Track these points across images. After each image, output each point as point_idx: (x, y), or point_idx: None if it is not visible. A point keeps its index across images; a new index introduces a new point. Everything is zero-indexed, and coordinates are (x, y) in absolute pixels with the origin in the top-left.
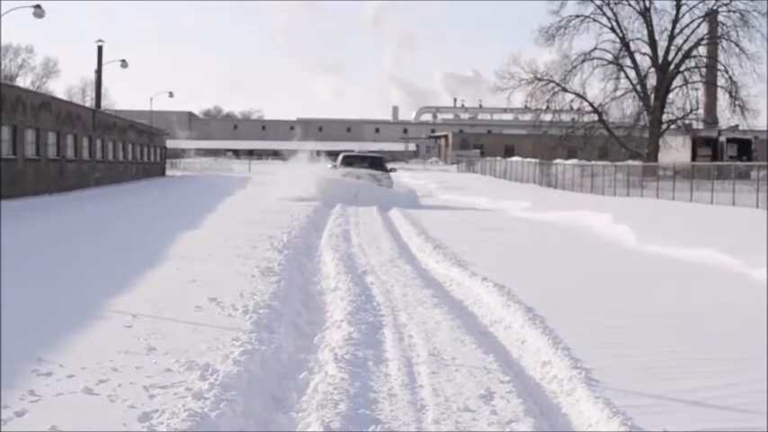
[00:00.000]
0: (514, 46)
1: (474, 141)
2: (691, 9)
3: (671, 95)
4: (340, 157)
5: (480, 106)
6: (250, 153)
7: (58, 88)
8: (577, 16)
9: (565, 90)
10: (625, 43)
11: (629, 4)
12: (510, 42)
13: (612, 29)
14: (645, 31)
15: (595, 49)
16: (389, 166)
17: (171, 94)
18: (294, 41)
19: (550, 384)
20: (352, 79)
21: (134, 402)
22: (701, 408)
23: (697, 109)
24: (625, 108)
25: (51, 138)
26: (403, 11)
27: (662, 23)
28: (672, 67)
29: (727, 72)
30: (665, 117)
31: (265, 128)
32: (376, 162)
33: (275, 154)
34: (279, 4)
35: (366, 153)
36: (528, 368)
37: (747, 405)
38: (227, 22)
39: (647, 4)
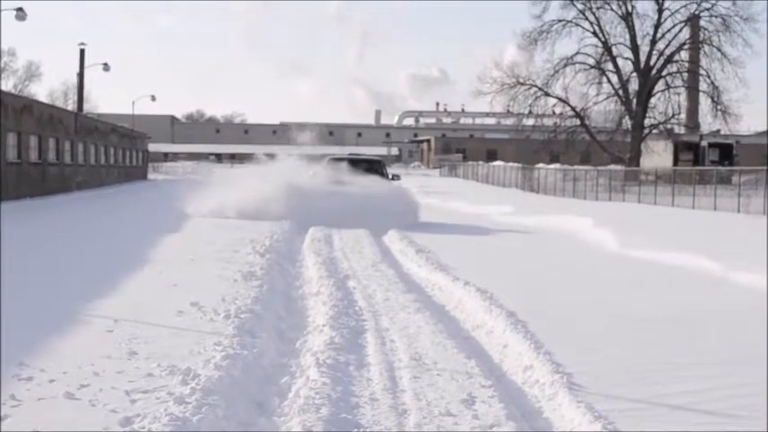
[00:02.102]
0: (482, 44)
1: (456, 146)
2: (673, 14)
3: (653, 100)
4: (326, 160)
5: (463, 110)
6: (232, 157)
7: (41, 91)
8: (560, 21)
9: (547, 94)
10: (607, 48)
11: (612, 9)
12: (478, 41)
13: (595, 33)
14: (627, 36)
15: (578, 53)
16: (391, 172)
17: (153, 98)
18: (255, 42)
19: (532, 389)
20: (316, 82)
21: (115, 407)
22: (683, 412)
23: (679, 113)
24: (607, 113)
25: (33, 141)
26: (364, 8)
27: (644, 28)
28: (654, 71)
29: (708, 77)
30: (647, 122)
31: (248, 132)
32: (374, 167)
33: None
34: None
35: (360, 155)
36: (510, 372)
37: (730, 409)
38: (206, 23)
39: (629, 8)
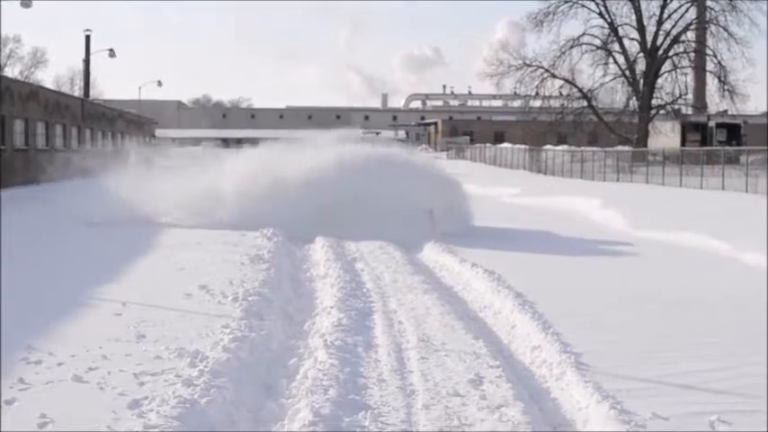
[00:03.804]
0: (473, 24)
1: (464, 128)
2: None
3: (660, 81)
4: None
5: (470, 93)
6: (239, 142)
7: (47, 78)
8: (566, 1)
9: (554, 76)
10: (614, 29)
11: None
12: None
13: (601, 14)
14: (633, 17)
15: (584, 34)
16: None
17: (159, 83)
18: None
19: (540, 369)
20: (315, 68)
21: (124, 390)
22: (692, 391)
23: (686, 94)
24: (614, 93)
25: (40, 128)
26: None
27: (650, 8)
28: (660, 52)
29: (715, 57)
30: (654, 102)
31: (254, 116)
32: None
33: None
34: None
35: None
36: (518, 353)
37: (739, 388)
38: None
39: None
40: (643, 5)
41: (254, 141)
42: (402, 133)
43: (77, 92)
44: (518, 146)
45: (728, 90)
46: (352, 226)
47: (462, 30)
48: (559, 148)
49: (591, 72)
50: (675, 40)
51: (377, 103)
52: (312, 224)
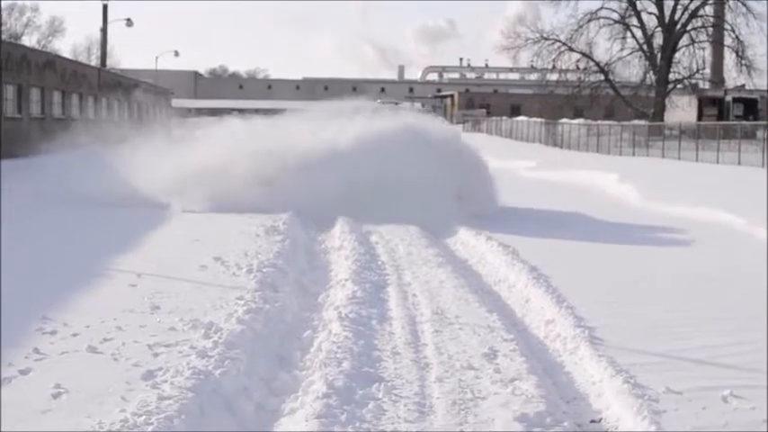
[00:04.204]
0: None
1: (480, 101)
2: None
3: (677, 55)
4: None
5: (486, 66)
6: (256, 112)
7: (64, 47)
8: None
9: (571, 50)
10: (632, 2)
11: None
12: None
13: None
14: None
15: (602, 8)
16: None
17: (176, 53)
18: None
19: (554, 343)
20: (330, 39)
21: (138, 361)
22: (706, 366)
23: (703, 68)
24: (631, 68)
25: (56, 97)
26: None
27: None
28: (678, 26)
29: (733, 31)
30: (671, 77)
31: (271, 87)
32: None
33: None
34: None
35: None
36: (532, 327)
37: (753, 363)
38: None
39: None
40: None
41: (271, 112)
42: (418, 105)
43: (94, 61)
44: (534, 119)
45: (746, 65)
46: (375, 209)
47: (476, 1)
48: (576, 121)
49: (608, 46)
50: (693, 15)
51: (391, 75)
52: (332, 207)
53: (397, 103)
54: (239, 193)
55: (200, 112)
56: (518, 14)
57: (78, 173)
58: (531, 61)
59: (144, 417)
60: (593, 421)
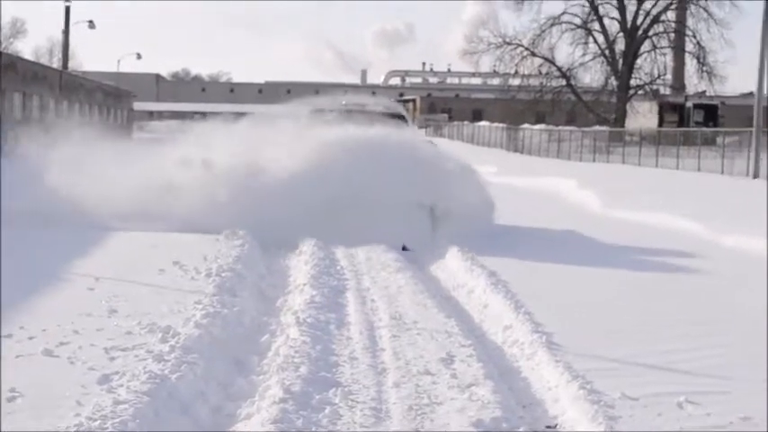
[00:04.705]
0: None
1: (442, 105)
2: None
3: (639, 60)
4: (308, 112)
5: (449, 70)
6: (218, 116)
7: (26, 49)
8: None
9: (533, 54)
10: (594, 7)
11: None
12: None
13: None
14: None
15: (564, 13)
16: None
17: (139, 56)
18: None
19: (511, 348)
20: (282, 40)
21: (94, 364)
22: (662, 372)
23: (665, 74)
24: (593, 73)
25: (17, 99)
26: None
27: None
28: (640, 31)
29: (695, 37)
30: (632, 82)
31: (233, 91)
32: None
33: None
34: None
35: (364, 106)
36: (489, 332)
37: (708, 369)
38: None
39: None
40: None
41: (234, 116)
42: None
43: (56, 63)
44: (496, 124)
45: (707, 71)
46: (339, 229)
47: (433, 5)
48: (537, 127)
49: (570, 51)
50: (655, 20)
51: (352, 79)
52: (294, 226)
53: (362, 105)
54: (185, 212)
55: (161, 115)
56: (480, 18)
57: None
58: (494, 66)
59: (99, 421)
60: (548, 427)
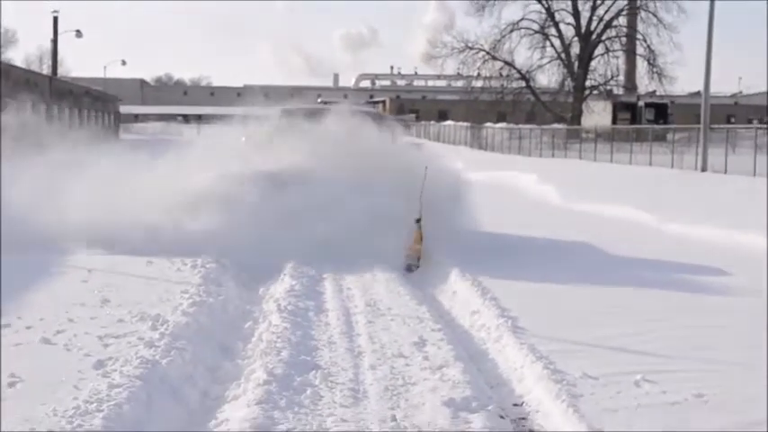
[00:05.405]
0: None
1: (410, 106)
2: None
3: (593, 63)
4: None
5: (416, 73)
6: (199, 118)
7: (17, 57)
8: None
9: (494, 58)
10: (550, 14)
11: None
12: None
13: (539, 0)
14: (569, 2)
15: (523, 19)
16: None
17: (124, 62)
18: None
19: (479, 332)
20: (252, 44)
21: (89, 351)
22: (620, 353)
23: (617, 76)
24: (550, 75)
25: (10, 104)
26: None
27: None
28: (594, 36)
29: (645, 41)
30: (587, 83)
31: (214, 94)
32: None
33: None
34: None
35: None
36: (458, 317)
37: (661, 350)
38: None
39: None
40: None
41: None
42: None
43: (46, 70)
44: (460, 123)
45: (657, 72)
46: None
47: (393, 11)
48: (499, 125)
49: (529, 54)
50: (608, 25)
51: (323, 83)
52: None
53: (337, 102)
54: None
55: (146, 117)
56: (440, 24)
57: None
58: (458, 69)
59: (95, 404)
60: (515, 405)
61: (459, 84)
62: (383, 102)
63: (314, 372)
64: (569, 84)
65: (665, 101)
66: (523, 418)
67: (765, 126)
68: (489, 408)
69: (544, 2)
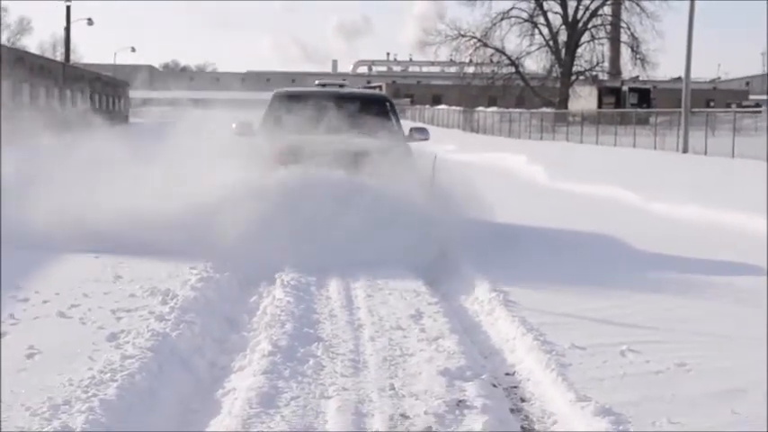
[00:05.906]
0: None
1: (405, 91)
2: None
3: (579, 50)
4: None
5: (411, 60)
6: (205, 103)
7: (32, 44)
8: None
9: (486, 45)
10: (539, 3)
11: None
12: None
13: None
14: None
15: (513, 8)
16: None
17: (133, 49)
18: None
19: (473, 305)
20: (247, 32)
21: (103, 324)
22: (606, 325)
23: (602, 62)
24: (539, 61)
25: (26, 89)
26: None
27: None
28: (580, 24)
29: (629, 29)
30: (574, 69)
31: (219, 80)
32: (372, 110)
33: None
34: None
35: (342, 86)
36: (452, 291)
37: (645, 322)
38: None
39: None
40: None
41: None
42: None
43: (59, 57)
44: (453, 107)
45: (640, 59)
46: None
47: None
48: (490, 109)
49: (519, 42)
50: (594, 14)
51: (321, 69)
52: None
53: (341, 85)
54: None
55: (157, 101)
56: (430, 13)
57: None
58: (451, 56)
59: (109, 374)
60: (507, 374)
61: (452, 70)
62: (379, 86)
63: (316, 343)
64: (557, 70)
65: (647, 86)
66: (515, 387)
67: (743, 110)
68: (483, 377)
69: None
